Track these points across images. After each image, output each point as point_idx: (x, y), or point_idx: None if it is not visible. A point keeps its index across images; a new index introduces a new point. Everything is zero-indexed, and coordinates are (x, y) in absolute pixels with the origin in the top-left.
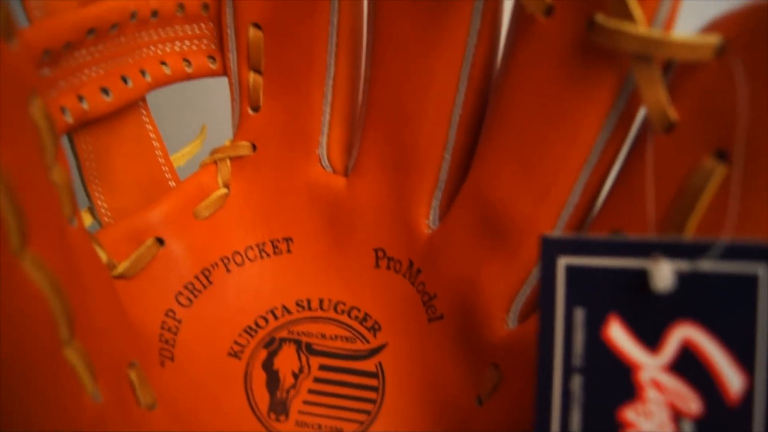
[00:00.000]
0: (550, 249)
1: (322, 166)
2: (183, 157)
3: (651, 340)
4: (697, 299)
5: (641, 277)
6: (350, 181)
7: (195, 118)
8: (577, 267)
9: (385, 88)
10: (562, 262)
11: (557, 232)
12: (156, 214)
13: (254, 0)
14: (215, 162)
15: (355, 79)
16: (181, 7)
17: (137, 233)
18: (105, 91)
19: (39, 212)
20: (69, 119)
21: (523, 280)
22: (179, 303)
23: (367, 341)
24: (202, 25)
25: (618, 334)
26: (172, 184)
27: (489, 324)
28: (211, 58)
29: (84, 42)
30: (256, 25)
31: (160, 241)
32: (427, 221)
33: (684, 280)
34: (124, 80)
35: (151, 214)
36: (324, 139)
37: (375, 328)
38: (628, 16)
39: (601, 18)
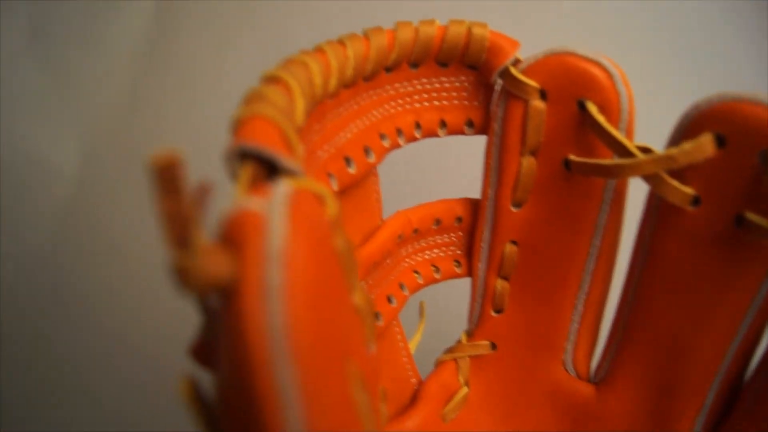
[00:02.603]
0: None
1: (566, 370)
2: (414, 344)
3: None
4: None
5: None
6: (601, 390)
7: None
8: None
9: (654, 313)
10: None
11: None
12: (410, 424)
13: (516, 222)
14: (455, 360)
15: (607, 292)
16: (438, 221)
17: None
18: (377, 315)
19: None
20: None
21: None
22: None
23: None
24: (452, 234)
25: None
26: (413, 380)
27: None
28: (457, 262)
29: (365, 277)
30: (513, 242)
31: None
32: None
33: None
34: (390, 300)
35: (406, 424)
36: (570, 346)
37: None
38: None
39: None
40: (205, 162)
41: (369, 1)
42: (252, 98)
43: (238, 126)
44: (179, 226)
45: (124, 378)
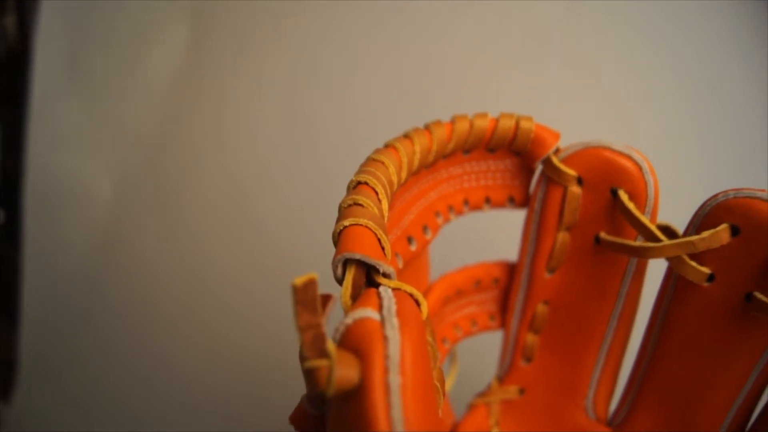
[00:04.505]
0: None
1: (587, 414)
2: (447, 386)
3: None
4: None
5: None
6: None
7: None
8: None
9: (669, 370)
10: None
11: None
12: None
13: (549, 286)
14: (486, 403)
15: (626, 348)
16: (478, 282)
17: None
18: None
19: None
20: None
21: None
22: None
23: None
24: (489, 292)
25: None
26: (449, 420)
27: None
28: (492, 316)
29: None
30: (545, 302)
31: None
32: None
33: None
34: None
35: None
36: (591, 393)
37: None
38: None
39: None
40: (235, 189)
41: (386, 30)
42: (349, 208)
43: (341, 236)
44: (314, 336)
45: (158, 390)
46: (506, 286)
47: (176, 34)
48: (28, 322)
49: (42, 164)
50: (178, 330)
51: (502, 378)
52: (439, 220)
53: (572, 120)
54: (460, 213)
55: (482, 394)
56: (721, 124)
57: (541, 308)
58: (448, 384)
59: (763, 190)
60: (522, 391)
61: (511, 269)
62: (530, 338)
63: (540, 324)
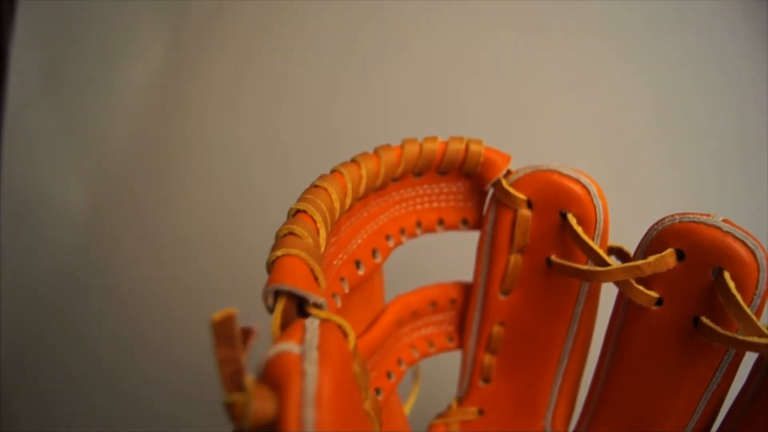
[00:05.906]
0: None
1: None
2: (408, 407)
3: None
4: None
5: None
6: None
7: None
8: None
9: (623, 391)
10: None
11: None
12: None
13: (504, 307)
14: (445, 424)
15: (583, 368)
16: (434, 304)
17: None
18: (378, 391)
19: None
20: None
21: None
22: None
23: None
24: (446, 313)
25: None
26: None
27: None
28: (449, 337)
29: (369, 358)
30: (501, 323)
31: None
32: None
33: None
34: (389, 375)
35: None
36: (549, 414)
37: None
38: None
39: None
40: (212, 197)
41: (366, 41)
42: (284, 238)
43: (273, 266)
44: (232, 371)
45: (133, 396)
46: (463, 306)
47: (153, 44)
48: (2, 332)
49: (16, 173)
50: (155, 337)
51: (462, 399)
52: (390, 243)
53: (570, 120)
54: (413, 235)
55: (442, 416)
56: (721, 126)
57: (497, 329)
58: (408, 405)
59: (707, 215)
60: (481, 412)
61: (467, 289)
62: (488, 359)
63: (496, 345)
